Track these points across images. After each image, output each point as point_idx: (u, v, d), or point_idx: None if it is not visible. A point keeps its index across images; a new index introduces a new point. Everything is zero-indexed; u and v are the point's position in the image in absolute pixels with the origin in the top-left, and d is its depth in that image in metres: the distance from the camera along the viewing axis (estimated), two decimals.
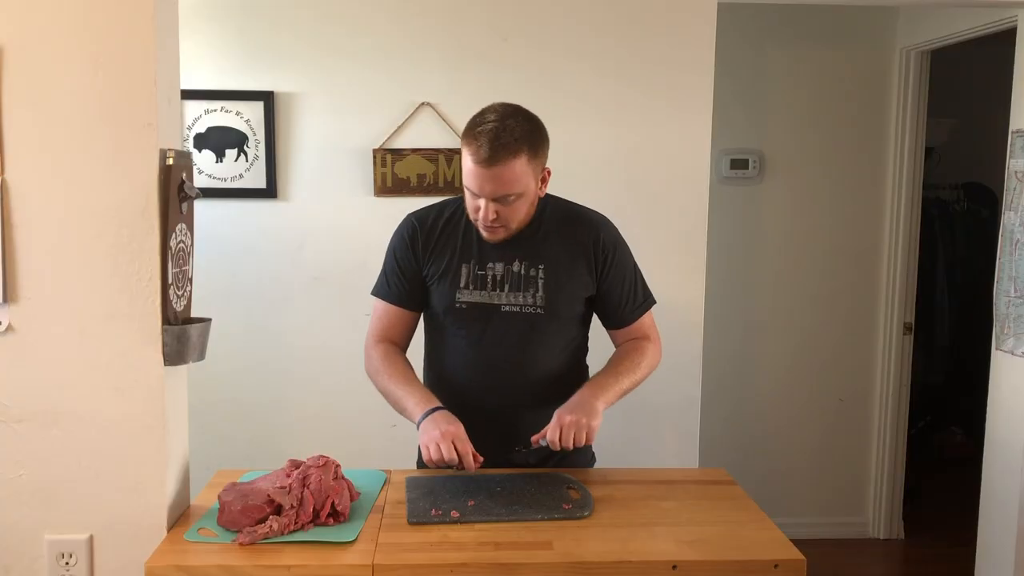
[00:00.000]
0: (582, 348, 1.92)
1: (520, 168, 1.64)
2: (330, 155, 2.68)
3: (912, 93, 3.42)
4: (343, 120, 2.67)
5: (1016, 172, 2.65)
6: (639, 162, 2.71)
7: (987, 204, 4.38)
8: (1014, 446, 2.65)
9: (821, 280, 3.55)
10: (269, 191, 2.67)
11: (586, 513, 1.50)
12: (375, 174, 2.66)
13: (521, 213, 1.72)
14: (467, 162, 1.66)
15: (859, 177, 3.51)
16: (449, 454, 1.57)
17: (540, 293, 1.77)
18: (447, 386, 1.85)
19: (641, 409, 2.80)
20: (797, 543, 1.40)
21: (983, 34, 3.08)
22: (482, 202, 1.67)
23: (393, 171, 2.66)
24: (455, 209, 1.83)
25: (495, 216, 1.68)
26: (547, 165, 1.76)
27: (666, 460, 2.76)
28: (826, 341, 3.57)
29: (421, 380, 1.90)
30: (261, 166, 2.66)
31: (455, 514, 1.47)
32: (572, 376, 1.86)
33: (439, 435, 1.60)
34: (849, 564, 3.45)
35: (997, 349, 2.72)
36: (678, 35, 2.67)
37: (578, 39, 2.67)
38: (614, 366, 1.83)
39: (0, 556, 1.44)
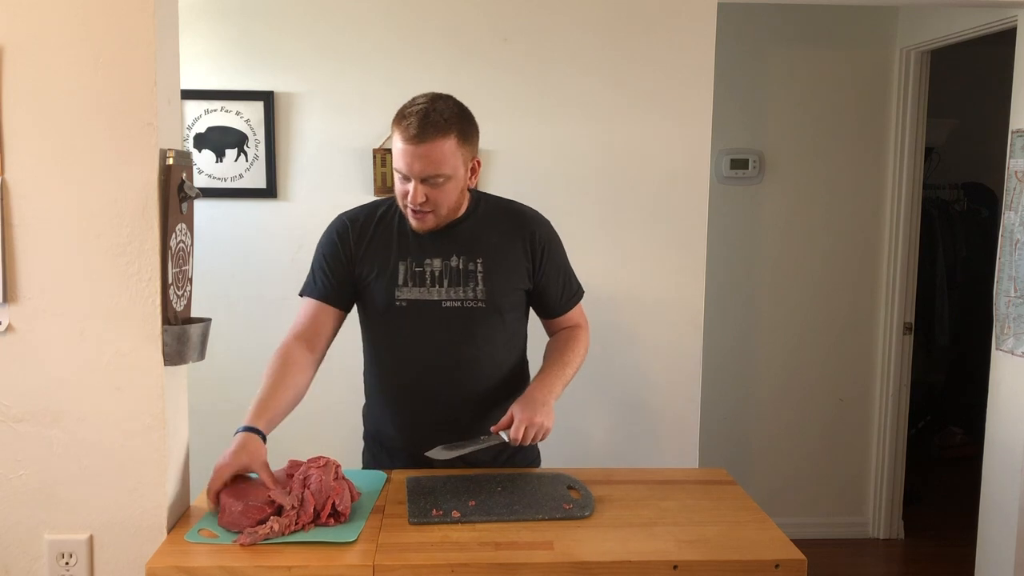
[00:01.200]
0: (523, 343, 1.92)
1: (449, 149, 1.66)
2: (330, 155, 2.68)
3: (912, 93, 3.42)
4: (343, 120, 2.67)
5: (1016, 172, 2.65)
6: (639, 162, 2.72)
7: (987, 204, 4.39)
8: (1014, 446, 2.65)
9: (821, 280, 3.55)
10: (269, 191, 2.67)
11: (586, 513, 1.50)
12: (375, 174, 2.66)
13: (450, 198, 1.72)
14: (396, 143, 1.67)
15: (859, 177, 3.51)
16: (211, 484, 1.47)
17: (480, 287, 1.76)
18: (391, 387, 1.84)
19: (641, 409, 2.81)
20: (797, 543, 1.39)
21: (983, 34, 3.08)
22: (411, 185, 1.67)
23: (393, 171, 2.65)
24: (388, 207, 1.83)
25: (424, 199, 1.67)
26: (477, 156, 1.78)
27: (666, 460, 2.76)
28: (826, 341, 3.58)
29: (363, 385, 1.91)
30: (261, 166, 2.66)
31: (456, 514, 1.47)
32: (515, 371, 1.87)
33: (220, 459, 1.50)
34: (849, 564, 3.45)
35: (997, 349, 2.72)
36: (678, 35, 2.67)
37: (578, 40, 2.67)
38: (559, 356, 1.84)
39: (0, 556, 1.44)
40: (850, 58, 3.45)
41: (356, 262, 1.79)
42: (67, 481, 1.43)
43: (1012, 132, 2.69)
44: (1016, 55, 2.71)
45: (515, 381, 1.86)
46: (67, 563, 1.44)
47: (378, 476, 1.67)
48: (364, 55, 2.65)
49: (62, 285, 1.40)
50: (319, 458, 1.51)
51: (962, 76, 4.28)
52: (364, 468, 1.89)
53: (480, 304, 1.76)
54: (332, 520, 1.43)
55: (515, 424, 1.65)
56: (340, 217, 1.85)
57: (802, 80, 3.45)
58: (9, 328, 1.40)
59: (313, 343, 1.78)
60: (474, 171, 1.77)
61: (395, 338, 1.80)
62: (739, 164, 3.44)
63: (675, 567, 1.33)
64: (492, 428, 1.69)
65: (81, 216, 1.39)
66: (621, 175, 2.72)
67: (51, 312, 1.40)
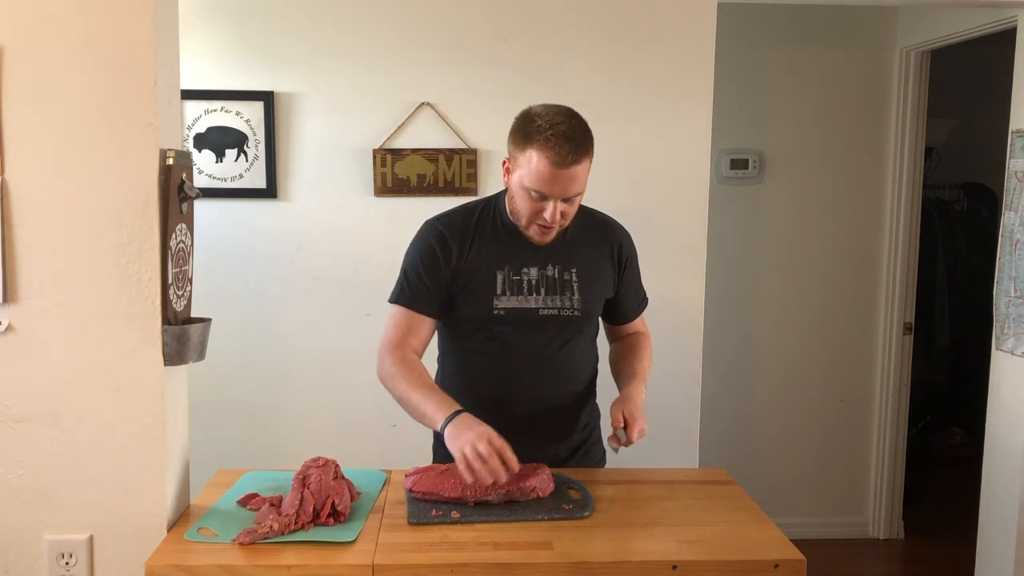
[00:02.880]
0: (597, 350, 1.94)
1: (587, 167, 1.69)
2: (330, 155, 2.68)
3: (912, 93, 3.42)
4: (343, 120, 2.67)
5: (1016, 172, 2.65)
6: (639, 162, 2.71)
7: (987, 204, 4.39)
8: (1014, 446, 2.65)
9: (821, 280, 3.55)
10: (269, 191, 2.67)
11: (586, 513, 1.50)
12: (375, 174, 2.66)
13: (575, 209, 1.75)
14: (539, 165, 1.63)
15: (859, 177, 3.51)
16: (487, 451, 1.48)
17: (576, 296, 1.79)
18: (478, 394, 1.79)
19: None
20: (797, 543, 1.40)
21: (983, 34, 3.08)
22: (550, 204, 1.67)
23: (393, 171, 2.66)
24: (478, 215, 1.81)
25: (560, 216, 1.69)
26: None
27: (666, 460, 2.74)
28: (826, 341, 3.57)
29: None
30: (261, 166, 2.66)
31: (455, 514, 1.47)
32: (589, 376, 1.91)
33: (473, 436, 1.51)
34: (849, 564, 3.44)
35: (997, 349, 2.72)
36: (678, 35, 2.67)
37: (578, 39, 2.67)
38: (638, 363, 1.88)
39: (0, 556, 1.44)
40: (850, 58, 3.45)
41: (456, 273, 1.76)
42: (67, 481, 1.44)
43: (1012, 132, 2.69)
44: (1016, 55, 2.71)
45: (588, 386, 1.90)
46: (67, 563, 1.44)
47: (378, 476, 1.67)
48: (364, 55, 2.65)
49: (62, 285, 1.40)
50: (318, 458, 1.51)
51: (962, 76, 4.27)
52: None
53: (576, 313, 1.79)
54: (331, 520, 1.43)
55: (633, 427, 1.68)
56: (434, 225, 1.80)
57: (802, 80, 3.45)
58: (9, 328, 1.40)
59: (415, 350, 1.78)
60: None
61: (490, 345, 1.78)
62: (739, 164, 3.44)
63: (675, 567, 1.33)
64: (613, 425, 1.70)
65: (81, 216, 1.39)
66: (621, 175, 2.71)
67: (51, 312, 1.40)
